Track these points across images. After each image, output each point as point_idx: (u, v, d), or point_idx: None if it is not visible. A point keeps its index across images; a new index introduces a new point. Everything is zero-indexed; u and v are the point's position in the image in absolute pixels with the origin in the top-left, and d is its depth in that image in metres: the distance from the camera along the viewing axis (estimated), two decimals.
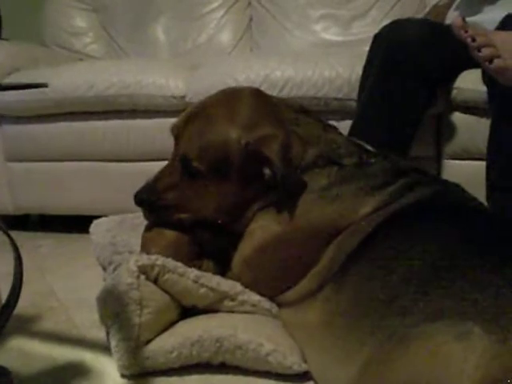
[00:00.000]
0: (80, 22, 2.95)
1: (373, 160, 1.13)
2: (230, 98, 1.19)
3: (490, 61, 1.28)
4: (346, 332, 0.91)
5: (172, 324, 1.13)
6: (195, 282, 1.12)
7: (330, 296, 1.00)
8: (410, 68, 1.55)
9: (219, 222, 1.17)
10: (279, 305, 1.16)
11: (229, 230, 1.18)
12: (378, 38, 1.64)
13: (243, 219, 1.16)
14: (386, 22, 1.75)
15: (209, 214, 1.16)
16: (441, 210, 1.01)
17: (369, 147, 1.18)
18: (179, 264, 1.13)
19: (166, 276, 1.11)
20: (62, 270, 1.83)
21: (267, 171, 1.09)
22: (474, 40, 1.27)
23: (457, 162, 1.79)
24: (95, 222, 1.54)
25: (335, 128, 1.24)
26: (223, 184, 1.13)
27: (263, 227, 1.12)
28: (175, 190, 1.18)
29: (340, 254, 1.02)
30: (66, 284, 1.66)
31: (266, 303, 1.16)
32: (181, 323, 1.14)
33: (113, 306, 1.07)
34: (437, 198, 1.05)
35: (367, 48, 1.69)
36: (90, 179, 2.19)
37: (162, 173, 1.21)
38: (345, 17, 2.62)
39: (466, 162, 1.78)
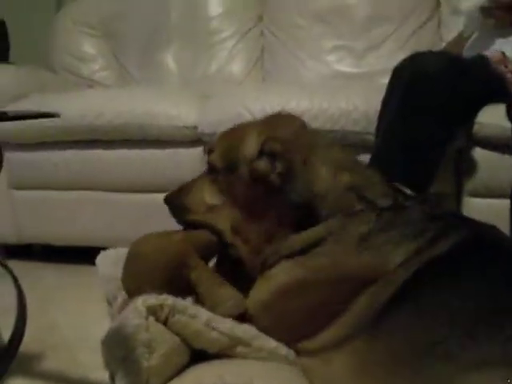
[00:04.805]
0: (89, 48, 2.95)
1: (408, 203, 1.05)
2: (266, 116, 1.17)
3: None
4: (382, 383, 0.85)
5: (182, 369, 1.05)
6: (207, 325, 1.05)
7: (362, 347, 0.93)
8: (433, 102, 1.51)
9: (229, 240, 1.10)
10: (298, 352, 1.07)
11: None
12: (398, 72, 1.60)
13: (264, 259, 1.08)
14: (401, 54, 1.75)
15: (220, 220, 1.10)
16: (480, 253, 0.96)
17: (403, 189, 1.12)
18: (189, 304, 1.06)
19: (176, 317, 1.05)
20: (66, 303, 1.80)
21: (279, 164, 1.01)
22: None
23: (478, 199, 1.75)
24: (102, 253, 1.45)
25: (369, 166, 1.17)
26: (232, 180, 1.07)
27: (287, 269, 1.05)
28: (194, 190, 1.14)
29: (373, 304, 0.95)
30: (71, 319, 1.64)
31: (282, 349, 1.07)
32: (192, 369, 1.06)
33: (119, 349, 1.00)
34: (474, 241, 0.99)
35: (383, 80, 1.66)
36: (96, 209, 2.16)
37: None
38: (359, 48, 2.59)
39: (488, 200, 1.74)
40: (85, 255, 1.75)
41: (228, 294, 1.09)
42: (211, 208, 1.11)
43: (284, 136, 1.05)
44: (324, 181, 1.03)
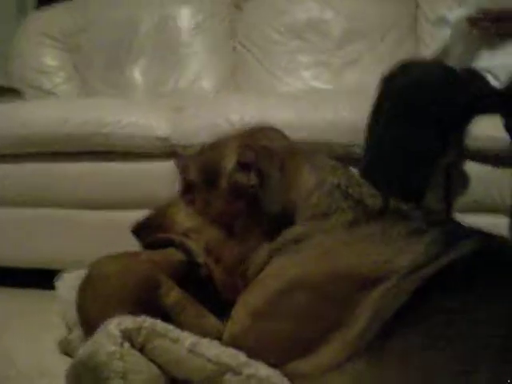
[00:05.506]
0: (51, 60, 2.86)
1: (404, 207, 0.98)
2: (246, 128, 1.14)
3: None
4: None
5: None
6: (190, 350, 0.93)
7: (365, 371, 0.82)
8: (425, 112, 1.46)
9: (202, 261, 1.04)
10: (291, 378, 0.94)
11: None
12: (388, 80, 1.56)
13: (248, 266, 1.00)
14: (379, 70, 1.70)
15: (195, 242, 1.05)
16: (500, 264, 0.87)
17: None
18: (171, 327, 0.95)
19: (156, 342, 0.94)
20: (21, 331, 1.71)
21: (253, 176, 0.98)
22: None
23: (469, 215, 1.66)
24: (61, 275, 1.35)
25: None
26: (211, 197, 1.03)
27: (277, 271, 0.96)
28: (169, 214, 1.09)
29: (379, 316, 0.85)
30: (27, 348, 1.55)
31: (276, 378, 0.94)
32: None
33: (89, 382, 0.89)
34: (490, 250, 0.90)
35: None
36: (57, 228, 2.05)
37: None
38: (336, 65, 2.58)
39: (480, 215, 1.68)
40: (42, 279, 1.68)
41: (213, 324, 1.01)
42: (187, 231, 1.06)
43: (260, 145, 1.02)
44: (306, 183, 0.99)
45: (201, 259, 1.05)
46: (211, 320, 1.01)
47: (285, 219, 0.97)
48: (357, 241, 0.92)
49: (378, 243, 0.91)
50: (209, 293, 1.07)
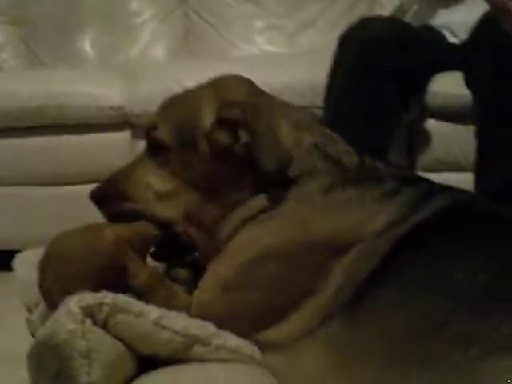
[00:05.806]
0: None
1: (379, 165, 0.96)
2: (211, 80, 1.05)
3: None
4: (376, 376, 0.73)
5: (129, 380, 0.91)
6: (156, 323, 0.91)
7: (340, 333, 0.81)
8: (384, 68, 1.47)
9: (181, 229, 0.98)
10: (261, 347, 0.94)
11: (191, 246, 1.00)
12: (346, 38, 1.56)
13: (219, 233, 0.96)
14: (333, 33, 1.71)
15: (172, 209, 0.98)
16: (469, 218, 0.87)
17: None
18: (131, 300, 0.92)
19: (119, 317, 0.90)
20: None
21: (243, 133, 0.90)
22: None
23: (432, 174, 1.64)
24: (20, 255, 1.30)
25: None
26: (189, 159, 0.95)
27: (249, 240, 0.92)
28: (135, 177, 1.00)
29: (350, 280, 0.84)
30: None
31: (246, 348, 0.94)
32: (141, 379, 0.92)
33: (50, 362, 0.86)
34: (462, 207, 0.90)
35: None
36: (11, 207, 2.00)
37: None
38: (290, 28, 2.57)
39: (443, 174, 1.69)
40: None
41: (186, 305, 0.97)
42: (161, 196, 0.99)
43: (240, 99, 0.95)
44: (285, 141, 0.93)
45: (179, 227, 0.99)
46: (184, 300, 0.97)
47: (280, 175, 0.92)
48: (332, 207, 0.90)
49: (353, 208, 0.89)
50: (192, 261, 1.05)
